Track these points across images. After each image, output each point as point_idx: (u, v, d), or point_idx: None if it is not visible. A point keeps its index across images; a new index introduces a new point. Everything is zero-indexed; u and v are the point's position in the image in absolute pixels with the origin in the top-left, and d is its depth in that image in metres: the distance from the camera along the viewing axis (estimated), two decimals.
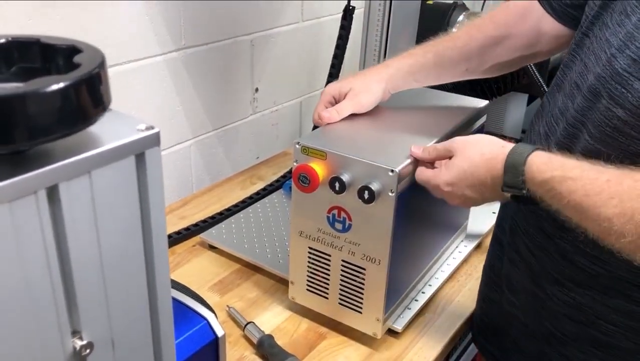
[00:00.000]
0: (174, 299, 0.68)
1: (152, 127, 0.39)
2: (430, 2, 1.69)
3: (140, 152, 0.39)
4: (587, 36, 0.75)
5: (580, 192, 0.63)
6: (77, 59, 0.35)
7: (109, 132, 0.38)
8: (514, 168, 0.69)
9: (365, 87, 0.92)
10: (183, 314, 0.67)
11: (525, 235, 0.82)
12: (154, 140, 0.39)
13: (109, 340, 0.41)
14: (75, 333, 0.39)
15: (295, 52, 1.52)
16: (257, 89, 1.44)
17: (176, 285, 0.73)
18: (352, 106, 0.92)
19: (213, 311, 0.71)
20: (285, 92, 1.54)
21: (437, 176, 0.78)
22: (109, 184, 0.38)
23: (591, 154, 0.68)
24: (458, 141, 0.78)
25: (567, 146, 0.73)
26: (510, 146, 0.72)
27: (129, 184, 0.39)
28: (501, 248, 0.90)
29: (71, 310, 0.38)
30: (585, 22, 0.76)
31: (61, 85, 0.32)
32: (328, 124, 0.91)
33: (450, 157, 0.78)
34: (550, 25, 0.88)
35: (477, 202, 0.77)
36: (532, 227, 0.81)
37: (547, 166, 0.67)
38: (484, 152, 0.74)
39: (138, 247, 0.41)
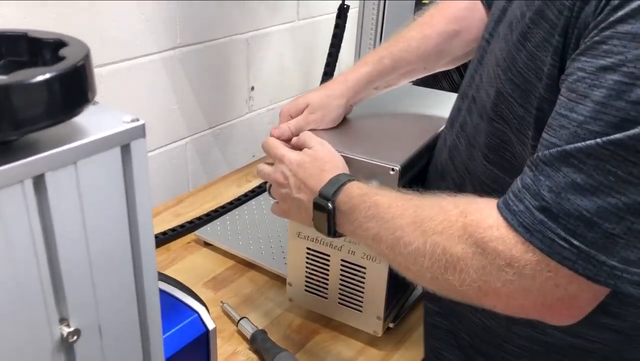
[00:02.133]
0: (166, 293, 0.69)
1: (138, 120, 0.40)
2: (427, 2, 1.70)
3: (126, 143, 0.40)
4: (489, 43, 0.74)
5: (384, 206, 0.66)
6: (62, 52, 0.36)
7: (95, 124, 0.39)
8: (336, 181, 0.73)
9: (325, 104, 0.88)
10: (174, 307, 0.68)
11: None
12: (140, 132, 0.40)
13: (96, 328, 0.42)
14: (63, 320, 0.40)
15: (291, 50, 1.53)
16: (252, 88, 1.45)
17: (168, 279, 0.74)
18: (307, 121, 0.88)
19: (204, 305, 0.72)
20: (281, 91, 1.55)
21: (285, 155, 0.81)
22: (95, 175, 0.38)
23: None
24: (314, 139, 0.81)
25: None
26: (332, 171, 0.76)
27: (115, 175, 0.40)
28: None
29: (58, 297, 0.39)
30: (491, 23, 0.75)
31: (46, 76, 0.33)
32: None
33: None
34: None
35: (292, 206, 0.80)
36: None
37: (361, 189, 0.71)
38: (326, 159, 0.78)
39: (125, 236, 0.42)
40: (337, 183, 0.73)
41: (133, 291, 0.44)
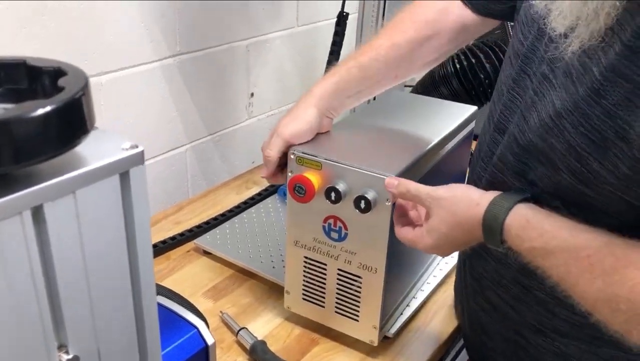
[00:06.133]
0: (165, 308, 0.70)
1: (137, 146, 0.40)
2: None
3: (125, 170, 0.40)
4: (526, 74, 0.71)
5: (563, 268, 0.62)
6: (61, 82, 0.36)
7: (94, 151, 0.39)
8: (492, 236, 0.67)
9: (293, 117, 0.86)
10: (173, 322, 0.68)
11: (497, 286, 0.79)
12: (139, 159, 0.40)
13: (95, 352, 0.42)
14: (62, 347, 0.40)
15: (291, 57, 1.53)
16: (252, 94, 1.45)
17: (168, 293, 0.74)
18: (280, 138, 0.85)
19: (204, 319, 0.72)
20: (281, 97, 1.55)
21: (420, 241, 0.75)
22: (93, 203, 0.38)
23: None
24: (430, 195, 0.74)
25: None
26: (484, 204, 0.68)
27: (114, 203, 0.40)
28: (466, 289, 0.88)
29: (57, 325, 0.39)
30: (522, 50, 0.72)
31: (46, 109, 0.33)
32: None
33: (426, 211, 0.75)
34: (472, 19, 0.87)
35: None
36: (505, 278, 0.78)
37: (525, 233, 0.64)
38: (456, 213, 0.70)
39: (124, 263, 0.42)
40: (494, 237, 0.66)
41: (132, 315, 0.44)
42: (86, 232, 0.38)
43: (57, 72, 0.38)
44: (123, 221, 0.41)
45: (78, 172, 0.37)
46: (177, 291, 0.83)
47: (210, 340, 0.68)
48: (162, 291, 0.72)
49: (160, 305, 0.70)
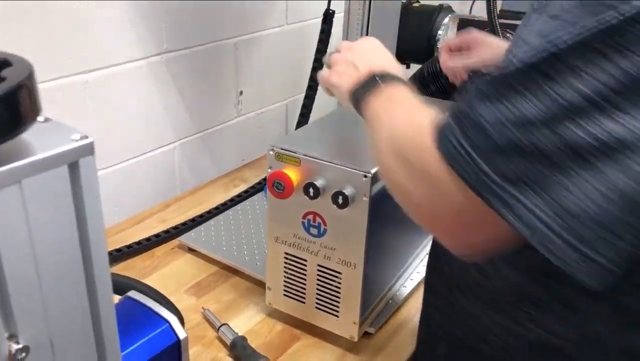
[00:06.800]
0: (138, 303, 0.70)
1: (87, 137, 0.40)
2: (417, 5, 1.70)
3: (74, 161, 0.40)
4: None
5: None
6: (4, 73, 0.36)
7: (43, 142, 0.39)
8: (366, 83, 0.73)
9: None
10: (146, 317, 0.68)
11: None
12: (88, 149, 0.40)
13: (48, 344, 0.42)
14: (12, 336, 0.40)
15: (280, 55, 1.53)
16: (241, 92, 1.45)
17: (144, 288, 0.74)
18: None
19: (179, 314, 0.72)
20: (271, 95, 1.55)
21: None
22: (41, 193, 0.39)
23: None
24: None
25: None
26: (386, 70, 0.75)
27: (63, 193, 0.40)
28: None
29: (6, 315, 0.39)
30: None
31: None
32: None
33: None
34: None
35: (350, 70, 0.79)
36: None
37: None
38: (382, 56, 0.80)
39: (75, 254, 0.42)
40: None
41: (87, 307, 0.44)
42: (34, 222, 0.38)
43: (2, 63, 0.38)
44: (74, 212, 0.41)
45: (24, 161, 0.37)
46: (160, 288, 0.84)
47: (182, 335, 0.68)
48: (137, 286, 0.72)
49: (133, 300, 0.70)
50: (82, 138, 0.41)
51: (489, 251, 0.59)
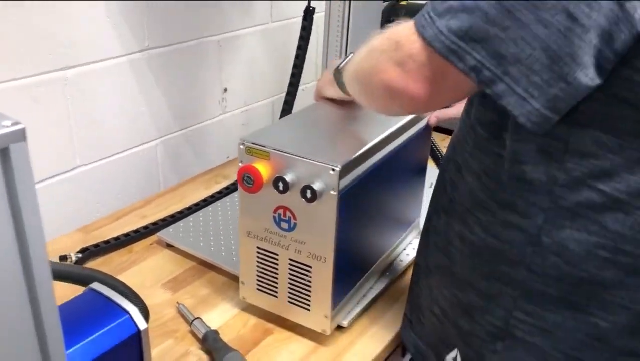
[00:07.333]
0: (99, 294, 0.70)
1: (18, 123, 0.41)
2: (404, 2, 1.70)
3: (4, 147, 0.40)
4: None
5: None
6: None
7: None
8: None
9: None
10: (106, 308, 0.68)
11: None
12: (19, 136, 0.41)
13: None
14: None
15: (265, 52, 1.54)
16: (226, 89, 1.46)
17: (108, 280, 0.74)
18: None
19: (142, 305, 0.72)
20: (256, 93, 1.56)
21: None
22: None
23: None
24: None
25: None
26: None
27: None
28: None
29: None
30: None
31: None
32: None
33: None
34: None
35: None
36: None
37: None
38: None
39: (10, 245, 0.42)
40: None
41: (26, 302, 0.44)
42: None
43: None
44: (6, 199, 0.41)
45: None
46: (136, 283, 0.84)
47: (142, 325, 0.68)
48: (99, 277, 0.73)
49: (93, 291, 0.71)
50: (13, 125, 0.41)
51: (444, 101, 0.70)
